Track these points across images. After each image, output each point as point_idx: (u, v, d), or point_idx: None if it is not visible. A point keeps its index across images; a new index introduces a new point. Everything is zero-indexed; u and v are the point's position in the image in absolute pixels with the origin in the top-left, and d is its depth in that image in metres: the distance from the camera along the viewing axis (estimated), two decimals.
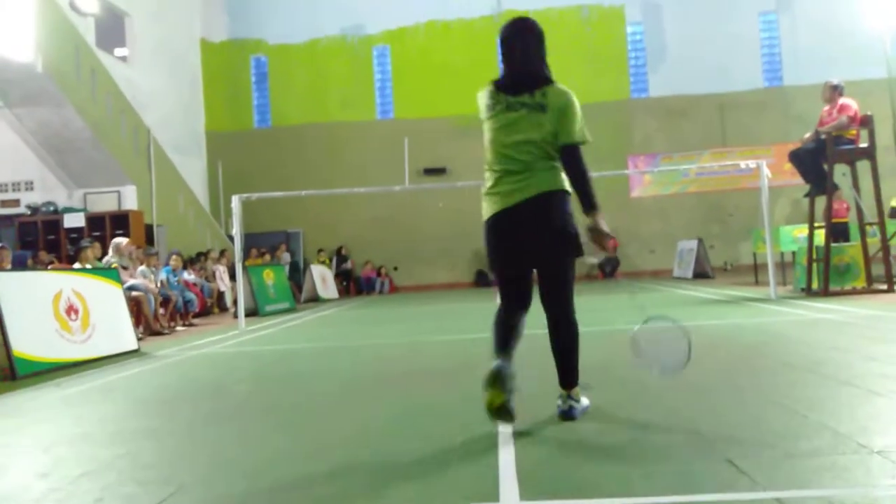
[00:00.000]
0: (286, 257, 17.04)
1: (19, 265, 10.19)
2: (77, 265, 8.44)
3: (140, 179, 14.14)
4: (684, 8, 19.00)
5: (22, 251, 11.93)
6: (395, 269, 18.98)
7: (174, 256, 11.30)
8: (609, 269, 18.09)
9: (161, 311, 9.75)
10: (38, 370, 5.69)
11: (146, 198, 14.20)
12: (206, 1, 19.70)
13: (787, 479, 2.16)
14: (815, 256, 8.86)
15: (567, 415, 3.06)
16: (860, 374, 3.68)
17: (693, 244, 15.38)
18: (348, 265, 18.49)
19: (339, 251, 18.55)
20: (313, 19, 19.58)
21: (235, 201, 9.69)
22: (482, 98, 3.15)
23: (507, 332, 3.05)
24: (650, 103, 19.19)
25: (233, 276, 12.07)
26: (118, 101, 13.86)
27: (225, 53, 19.85)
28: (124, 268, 9.15)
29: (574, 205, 3.06)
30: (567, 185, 3.02)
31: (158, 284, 10.00)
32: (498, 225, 3.04)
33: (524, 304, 3.15)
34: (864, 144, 8.55)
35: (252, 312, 11.18)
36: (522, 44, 3.08)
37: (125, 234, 11.77)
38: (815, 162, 8.74)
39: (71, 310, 6.38)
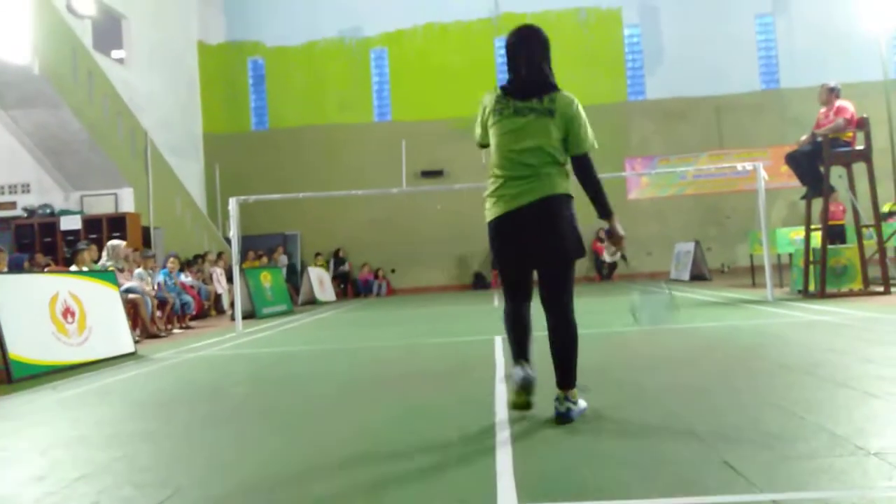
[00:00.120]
0: (283, 260, 17.02)
1: (16, 268, 10.15)
2: (74, 268, 8.42)
3: (137, 182, 14.12)
4: (681, 10, 19.03)
5: (18, 254, 11.88)
6: (393, 271, 18.97)
7: (171, 259, 11.28)
8: (607, 272, 18.10)
9: (158, 313, 9.73)
10: (34, 373, 5.67)
11: (143, 200, 14.18)
12: (203, 3, 19.68)
13: (785, 481, 2.16)
14: (811, 258, 8.88)
15: (564, 417, 3.07)
16: (857, 376, 3.69)
17: (690, 246, 15.40)
18: (346, 267, 18.48)
19: (336, 253, 18.54)
20: (311, 21, 19.58)
21: (233, 203, 9.68)
22: (489, 102, 3.21)
23: (520, 334, 3.21)
24: (647, 105, 19.21)
25: (230, 279, 12.05)
26: (115, 103, 13.84)
27: (222, 55, 19.84)
28: (120, 270, 9.13)
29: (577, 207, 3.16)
30: (570, 190, 3.12)
31: (155, 287, 9.99)
32: (502, 227, 3.12)
33: (527, 297, 3.29)
34: (860, 147, 8.57)
35: (249, 315, 11.17)
36: (529, 51, 3.14)
37: (122, 237, 11.75)
38: (812, 164, 8.76)
39: (67, 312, 6.37)
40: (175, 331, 10.04)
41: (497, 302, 12.08)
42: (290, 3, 19.55)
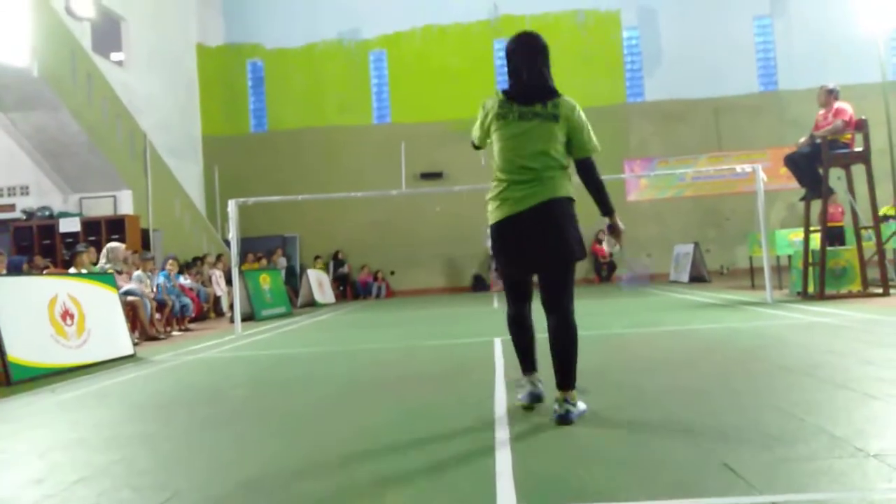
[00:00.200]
0: (282, 262, 17.01)
1: (15, 270, 10.16)
2: (72, 270, 8.42)
3: (136, 184, 14.11)
4: (679, 12, 19.06)
5: (17, 256, 11.89)
6: (392, 273, 18.96)
7: (170, 261, 11.28)
8: (606, 273, 18.11)
9: (157, 315, 9.72)
10: (33, 375, 5.66)
11: (142, 202, 14.17)
12: (202, 5, 19.69)
13: (784, 483, 2.16)
14: (810, 260, 8.89)
15: (564, 419, 3.08)
16: (856, 378, 3.69)
17: (689, 248, 15.41)
18: (345, 269, 18.47)
19: (335, 255, 18.54)
20: (310, 24, 19.59)
21: (232, 206, 9.68)
22: (491, 106, 3.26)
23: (525, 340, 3.45)
24: (646, 107, 19.23)
25: (229, 281, 12.04)
26: (114, 105, 13.84)
27: (221, 58, 19.84)
28: (119, 272, 9.12)
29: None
30: (572, 193, 3.21)
31: (154, 289, 9.98)
32: (506, 230, 3.20)
33: (529, 299, 3.45)
34: (858, 148, 8.58)
35: (248, 317, 11.17)
36: (530, 58, 3.24)
37: (121, 239, 11.75)
38: (811, 166, 8.77)
39: (66, 315, 6.36)
40: (174, 333, 10.03)
41: (497, 304, 12.08)
42: (289, 5, 19.56)
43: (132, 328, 8.42)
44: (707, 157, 18.54)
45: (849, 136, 8.58)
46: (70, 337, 6.31)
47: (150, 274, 10.06)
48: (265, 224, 17.77)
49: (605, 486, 2.25)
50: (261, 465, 2.77)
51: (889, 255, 10.44)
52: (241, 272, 10.67)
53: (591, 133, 3.27)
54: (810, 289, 8.87)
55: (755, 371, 4.23)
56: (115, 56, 16.19)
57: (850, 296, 8.56)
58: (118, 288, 7.76)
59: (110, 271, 8.51)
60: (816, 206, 8.93)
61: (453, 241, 17.89)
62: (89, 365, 6.34)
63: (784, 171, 9.63)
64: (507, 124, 3.19)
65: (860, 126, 8.52)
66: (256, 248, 15.83)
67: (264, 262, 15.40)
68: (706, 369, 4.44)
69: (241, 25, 19.80)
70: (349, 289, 18.36)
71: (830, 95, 8.66)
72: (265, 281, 12.59)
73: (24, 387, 5.35)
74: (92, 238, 12.45)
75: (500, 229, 3.22)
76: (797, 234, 10.43)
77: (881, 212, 9.11)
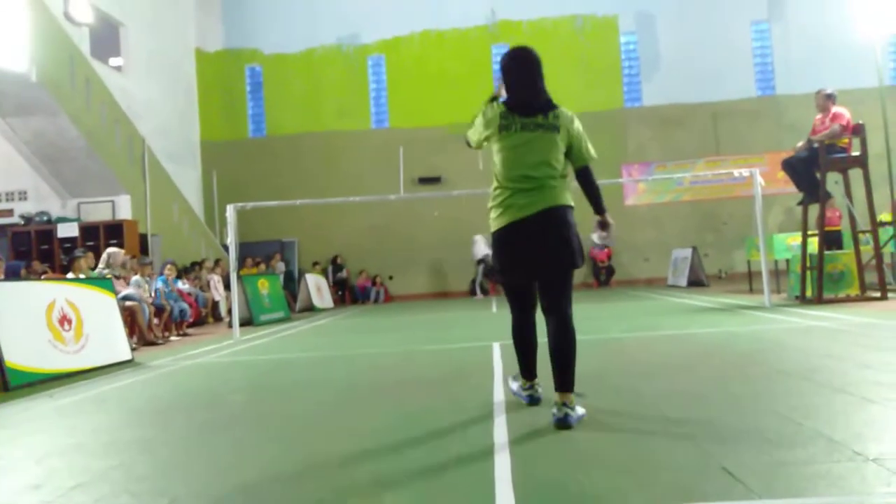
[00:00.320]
0: (281, 266, 17.00)
1: (12, 275, 10.14)
2: (70, 275, 8.41)
3: (134, 189, 14.11)
4: (677, 17, 19.12)
5: (15, 261, 11.86)
6: (391, 278, 18.96)
7: (168, 266, 11.27)
8: (604, 278, 18.12)
9: (155, 320, 9.71)
10: (30, 381, 5.65)
11: (140, 207, 14.16)
12: (201, 11, 19.73)
13: (783, 487, 2.16)
14: (808, 264, 8.90)
15: (563, 423, 3.09)
16: (855, 382, 3.69)
17: (687, 252, 15.43)
18: (343, 274, 18.47)
19: (334, 260, 18.53)
20: (308, 29, 19.62)
21: (230, 210, 9.67)
22: (494, 117, 3.34)
23: (528, 350, 3.58)
24: (644, 112, 19.28)
25: (227, 286, 12.03)
26: (113, 110, 13.85)
27: (220, 63, 19.87)
28: (117, 277, 9.11)
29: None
30: (572, 201, 3.34)
31: (152, 294, 9.97)
32: (510, 236, 3.29)
33: (532, 307, 3.54)
34: (856, 153, 8.61)
35: (247, 322, 11.15)
36: (528, 71, 3.36)
37: (119, 244, 11.73)
38: (808, 170, 8.79)
39: (64, 320, 6.35)
40: (172, 338, 10.02)
41: (495, 308, 12.08)
42: (288, 10, 19.60)
43: (130, 333, 8.40)
44: (705, 162, 18.58)
45: (846, 140, 8.60)
46: (68, 342, 6.30)
47: (148, 279, 10.05)
48: (263, 229, 17.78)
49: (604, 491, 2.24)
50: (259, 470, 2.76)
51: (887, 259, 10.45)
52: (239, 277, 10.66)
53: (589, 143, 3.43)
54: (808, 293, 8.87)
55: (753, 375, 4.23)
56: (113, 61, 16.21)
57: (847, 300, 8.57)
58: (116, 293, 7.76)
59: (109, 276, 8.50)
60: (814, 210, 8.95)
61: (452, 246, 17.89)
62: (87, 370, 6.33)
63: (782, 175, 9.65)
64: (509, 135, 3.29)
65: (857, 130, 8.54)
66: (255, 253, 15.83)
67: (263, 266, 15.38)
68: (704, 373, 4.44)
69: (239, 31, 19.84)
70: (348, 293, 18.35)
71: (828, 100, 8.68)
72: (263, 286, 12.58)
73: (22, 392, 5.34)
74: (90, 243, 12.43)
75: (504, 235, 3.31)
76: (795, 239, 10.45)
77: (879, 218, 9.12)
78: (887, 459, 2.34)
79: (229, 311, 11.01)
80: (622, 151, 18.91)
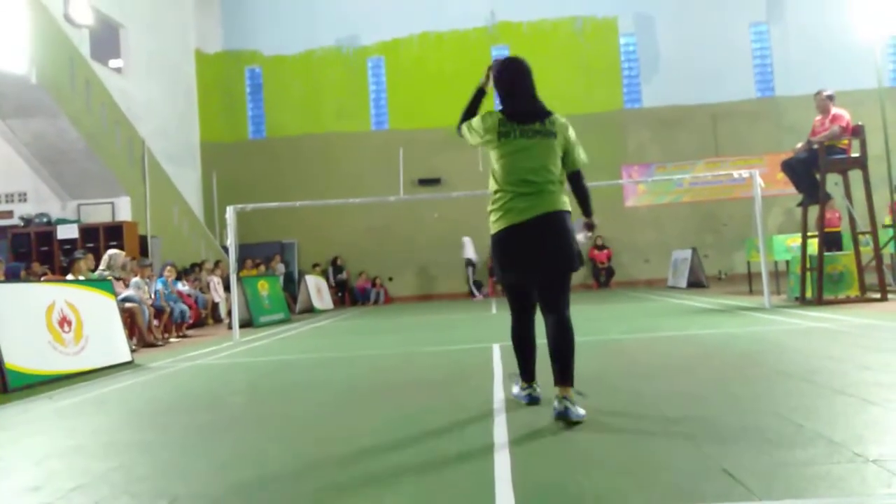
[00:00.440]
0: (281, 268, 17.00)
1: (12, 277, 10.14)
2: (70, 277, 8.41)
3: (134, 190, 14.11)
4: (676, 19, 19.13)
5: (15, 263, 11.87)
6: (390, 279, 18.96)
7: (168, 267, 11.27)
8: (604, 279, 18.12)
9: (155, 322, 9.71)
10: (30, 382, 5.65)
11: (140, 209, 14.16)
12: (200, 12, 19.74)
13: (783, 489, 2.16)
14: (808, 265, 8.90)
15: (563, 415, 3.15)
16: (855, 383, 3.69)
17: (687, 253, 15.43)
18: (344, 275, 18.47)
19: (334, 261, 18.53)
20: (308, 31, 19.63)
21: (230, 212, 9.68)
22: (493, 125, 3.45)
23: (527, 352, 3.65)
24: (643, 113, 19.28)
25: (227, 287, 12.03)
26: (113, 112, 13.85)
27: (220, 64, 19.88)
28: (117, 279, 9.11)
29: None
30: (569, 206, 3.47)
31: (152, 296, 9.97)
32: (511, 237, 3.39)
33: (532, 309, 3.61)
34: (855, 154, 8.61)
35: (247, 323, 11.15)
36: (523, 81, 3.53)
37: (119, 246, 11.74)
38: (808, 171, 8.79)
39: (64, 321, 6.35)
40: (172, 340, 10.02)
41: (495, 309, 12.08)
42: (288, 12, 19.61)
43: (130, 335, 8.40)
44: (704, 163, 18.59)
45: (846, 141, 8.60)
46: (68, 344, 6.30)
47: (148, 280, 10.05)
48: (263, 230, 17.78)
49: (604, 491, 2.24)
50: (259, 471, 2.76)
51: (886, 261, 10.45)
52: (239, 278, 10.66)
53: (581, 148, 3.59)
54: (808, 294, 8.87)
55: (753, 376, 4.23)
56: (113, 63, 16.21)
57: (847, 301, 8.57)
58: (116, 294, 7.75)
59: (109, 278, 8.50)
60: (814, 211, 8.95)
61: (452, 248, 17.87)
62: (87, 372, 6.33)
63: (781, 176, 9.65)
64: (508, 142, 3.41)
65: (857, 132, 8.54)
66: (255, 255, 15.83)
67: (262, 268, 15.39)
68: (704, 374, 4.44)
69: (239, 32, 19.85)
70: (347, 295, 18.35)
71: (827, 101, 8.69)
72: (263, 287, 12.58)
73: (22, 394, 5.33)
74: (90, 245, 12.43)
75: (504, 237, 3.40)
76: (795, 240, 10.45)
77: (885, 221, 9.13)
78: (887, 461, 2.34)
79: (229, 313, 11.01)
80: (622, 153, 18.92)
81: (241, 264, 12.94)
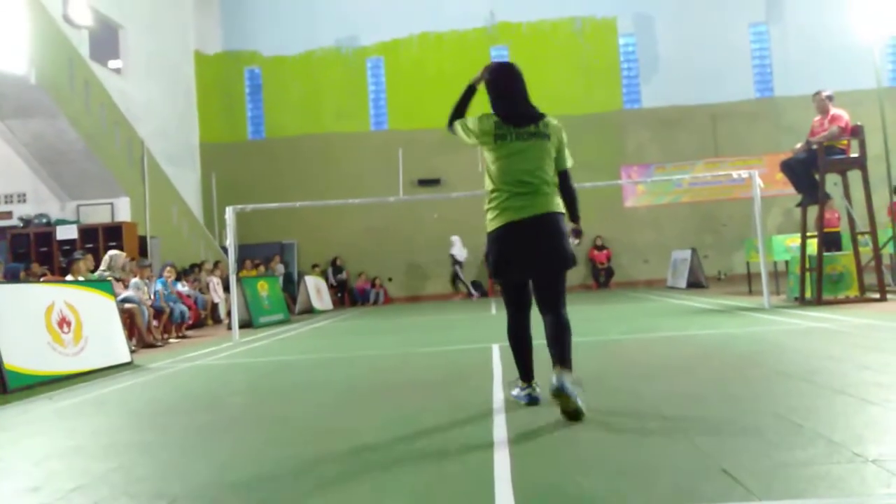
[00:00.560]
0: (280, 268, 17.00)
1: (11, 277, 10.14)
2: (69, 277, 8.41)
3: (134, 191, 14.11)
4: (676, 19, 19.14)
5: (14, 263, 11.86)
6: (390, 279, 18.96)
7: (168, 268, 11.27)
8: (604, 279, 18.12)
9: (154, 323, 9.71)
10: (29, 383, 5.65)
11: (140, 209, 14.16)
12: (200, 13, 19.73)
13: (783, 489, 2.16)
14: (807, 266, 8.90)
15: (560, 389, 3.16)
16: (854, 383, 3.69)
17: (687, 254, 15.43)
18: (343, 276, 18.47)
19: (334, 262, 18.53)
20: (307, 31, 19.63)
21: (229, 212, 9.68)
22: (489, 128, 3.56)
23: (524, 351, 3.68)
24: (643, 114, 19.29)
25: (227, 288, 12.03)
26: (112, 112, 13.85)
27: (219, 65, 19.87)
28: (118, 280, 9.11)
29: None
30: (562, 208, 3.58)
31: (152, 296, 9.97)
32: (506, 235, 3.48)
33: (528, 307, 3.68)
34: (854, 154, 8.62)
35: (246, 324, 11.14)
36: (516, 85, 3.65)
37: (118, 246, 11.74)
38: (807, 172, 8.80)
39: (63, 322, 6.35)
40: (171, 340, 10.01)
41: (494, 310, 12.07)
42: (287, 12, 19.61)
43: (129, 335, 8.40)
44: (704, 163, 18.59)
45: (845, 142, 8.61)
46: (67, 344, 6.29)
47: (147, 281, 10.05)
48: (263, 231, 17.77)
49: (603, 492, 2.24)
50: (258, 472, 2.76)
51: (886, 261, 10.46)
52: (238, 279, 10.66)
53: (569, 151, 3.74)
54: (807, 294, 8.88)
55: (753, 377, 4.23)
56: (112, 63, 16.21)
57: (847, 301, 8.57)
58: (116, 295, 7.75)
59: (109, 279, 8.50)
60: (813, 211, 8.96)
61: (450, 248, 17.89)
62: (86, 372, 6.33)
63: (780, 177, 9.65)
64: (505, 144, 3.52)
65: (856, 132, 8.55)
66: (254, 255, 15.83)
67: (262, 268, 15.39)
68: (704, 375, 4.44)
69: (238, 33, 19.84)
70: (347, 295, 18.35)
71: (826, 102, 8.70)
72: (263, 288, 12.58)
73: (21, 395, 5.33)
74: (89, 245, 12.43)
75: (501, 235, 3.49)
76: (794, 240, 10.46)
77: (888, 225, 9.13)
78: (887, 461, 2.34)
79: (228, 314, 11.01)
80: (621, 153, 18.93)
81: (240, 265, 12.94)
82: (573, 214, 3.70)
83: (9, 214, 13.78)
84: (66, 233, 13.09)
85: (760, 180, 9.46)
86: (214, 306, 13.50)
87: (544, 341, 3.49)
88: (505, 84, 3.66)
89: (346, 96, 19.65)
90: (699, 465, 2.45)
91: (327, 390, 4.86)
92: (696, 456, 2.57)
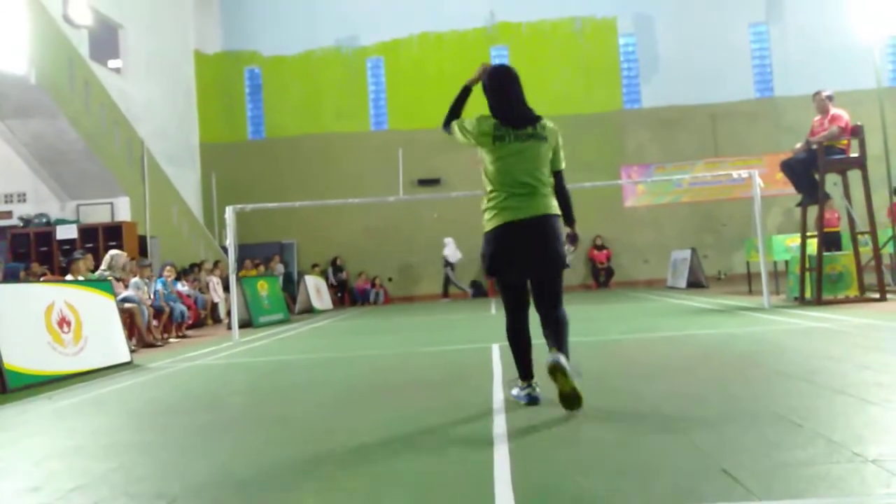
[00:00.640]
0: (280, 268, 17.00)
1: (11, 277, 10.14)
2: (69, 277, 8.41)
3: (133, 191, 14.11)
4: (676, 19, 19.14)
5: (14, 263, 11.86)
6: (390, 279, 18.96)
7: (168, 268, 11.27)
8: (603, 279, 18.12)
9: (154, 322, 9.70)
10: (29, 383, 5.65)
11: (139, 209, 14.16)
12: (199, 13, 19.73)
13: (782, 489, 2.16)
14: (807, 265, 8.90)
15: (556, 364, 3.24)
16: (854, 383, 3.69)
17: (686, 254, 15.43)
18: (344, 275, 18.47)
19: (334, 262, 18.54)
20: (307, 31, 19.63)
21: (229, 212, 9.67)
22: (488, 129, 3.61)
23: (523, 350, 3.69)
24: (643, 114, 19.28)
25: (227, 288, 12.03)
26: (112, 112, 13.85)
27: (219, 65, 19.87)
28: (118, 279, 9.11)
29: None
30: (559, 210, 3.65)
31: (152, 296, 9.97)
32: (504, 234, 3.54)
33: (526, 306, 3.72)
34: (854, 154, 8.62)
35: (246, 324, 11.15)
36: (514, 88, 3.72)
37: (118, 246, 11.73)
38: (807, 172, 8.80)
39: (63, 322, 6.35)
40: (171, 340, 10.01)
41: (494, 310, 12.08)
42: (287, 12, 19.61)
43: (129, 335, 8.40)
44: (704, 163, 18.59)
45: (845, 141, 8.61)
46: (67, 344, 6.29)
47: (147, 281, 10.05)
48: (263, 231, 17.77)
49: (603, 492, 2.24)
50: (259, 472, 2.76)
51: (886, 261, 10.46)
52: (238, 279, 10.66)
53: (563, 153, 3.82)
54: (807, 294, 8.88)
55: (753, 376, 4.23)
56: (112, 63, 16.20)
57: (847, 301, 8.57)
58: (116, 295, 7.75)
59: (109, 278, 8.50)
60: (813, 211, 8.96)
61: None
62: (86, 372, 6.33)
63: (780, 176, 9.66)
64: (503, 146, 3.58)
65: (856, 132, 8.55)
66: (254, 255, 15.82)
67: (262, 268, 15.39)
68: (704, 375, 4.44)
69: (238, 33, 19.84)
70: (347, 295, 18.35)
71: (826, 101, 8.70)
72: (263, 287, 12.58)
73: (21, 394, 5.33)
74: (89, 245, 12.43)
75: (499, 234, 3.55)
76: (794, 240, 10.46)
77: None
78: (887, 461, 2.34)
79: (228, 313, 11.01)
80: (621, 153, 18.92)
81: (240, 264, 12.94)
82: (569, 218, 3.74)
83: (9, 214, 13.78)
84: (66, 232, 13.09)
85: (760, 180, 9.45)
86: (214, 306, 13.50)
87: (543, 341, 3.51)
88: (503, 87, 3.72)
89: (345, 96, 19.65)
90: (699, 465, 2.45)
91: (327, 390, 4.86)
92: (695, 456, 2.57)
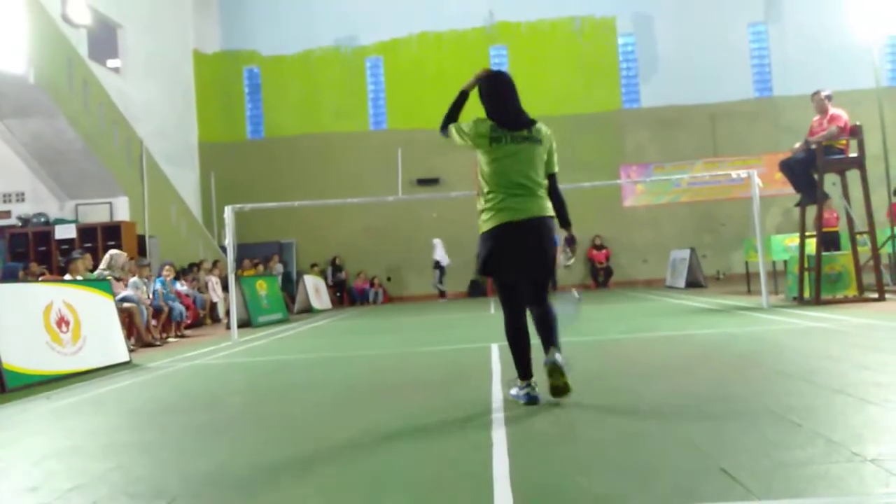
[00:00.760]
0: (279, 268, 16.99)
1: (10, 277, 10.12)
2: (68, 277, 8.40)
3: (132, 190, 14.10)
4: (675, 19, 19.15)
5: (13, 263, 11.85)
6: (389, 279, 18.96)
7: (167, 267, 11.26)
8: (602, 279, 18.12)
9: (153, 322, 9.70)
10: (28, 383, 5.64)
11: (138, 209, 14.15)
12: (198, 12, 19.72)
13: (782, 488, 2.16)
14: (806, 265, 8.91)
15: (554, 364, 3.48)
16: (853, 383, 3.69)
17: (685, 253, 15.44)
18: (343, 275, 18.47)
19: (333, 261, 18.53)
20: (306, 31, 19.62)
21: (228, 212, 9.67)
22: (485, 131, 3.69)
23: (522, 349, 3.73)
24: (642, 113, 19.29)
25: (225, 287, 12.03)
26: (111, 112, 13.84)
27: (218, 64, 19.86)
28: (117, 279, 9.10)
29: None
30: (552, 211, 3.75)
31: (151, 296, 9.96)
32: (502, 235, 3.62)
33: (523, 304, 3.76)
34: (853, 154, 8.62)
35: (245, 323, 11.14)
36: (509, 92, 3.81)
37: (117, 246, 11.72)
38: (806, 171, 8.80)
39: (62, 322, 6.34)
40: (170, 340, 10.01)
41: (493, 310, 12.07)
42: (286, 12, 19.60)
43: (128, 335, 8.39)
44: (703, 163, 18.60)
45: (844, 141, 8.61)
46: (65, 344, 6.29)
47: (146, 280, 10.04)
48: (262, 230, 17.76)
49: (602, 492, 2.24)
50: (258, 472, 2.76)
51: (884, 261, 10.47)
52: (237, 278, 10.65)
53: (557, 156, 3.93)
54: (806, 294, 8.89)
55: (752, 376, 4.23)
56: (111, 63, 16.19)
57: (846, 301, 8.58)
58: (114, 294, 7.74)
59: (108, 278, 8.49)
60: (812, 211, 8.96)
61: (450, 247, 17.88)
62: (85, 372, 6.32)
63: (779, 176, 9.66)
64: (500, 147, 3.67)
65: (855, 132, 8.55)
66: (253, 254, 15.81)
67: (261, 268, 15.38)
68: (703, 375, 4.44)
69: (237, 32, 19.83)
70: (346, 295, 18.34)
71: (825, 101, 8.70)
72: (262, 287, 12.57)
73: (19, 394, 5.33)
74: (88, 245, 12.42)
75: (498, 234, 3.62)
76: (793, 240, 10.46)
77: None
78: (886, 460, 2.34)
79: (227, 313, 11.01)
80: (620, 153, 18.93)
81: (239, 264, 12.94)
82: (564, 219, 3.81)
83: (7, 214, 13.77)
84: (65, 232, 13.08)
85: (759, 180, 9.46)
86: (213, 305, 13.50)
87: (537, 340, 3.59)
88: (499, 91, 3.81)
89: (345, 96, 19.65)
90: (698, 465, 2.45)
91: (326, 390, 4.85)
92: (695, 455, 2.57)
